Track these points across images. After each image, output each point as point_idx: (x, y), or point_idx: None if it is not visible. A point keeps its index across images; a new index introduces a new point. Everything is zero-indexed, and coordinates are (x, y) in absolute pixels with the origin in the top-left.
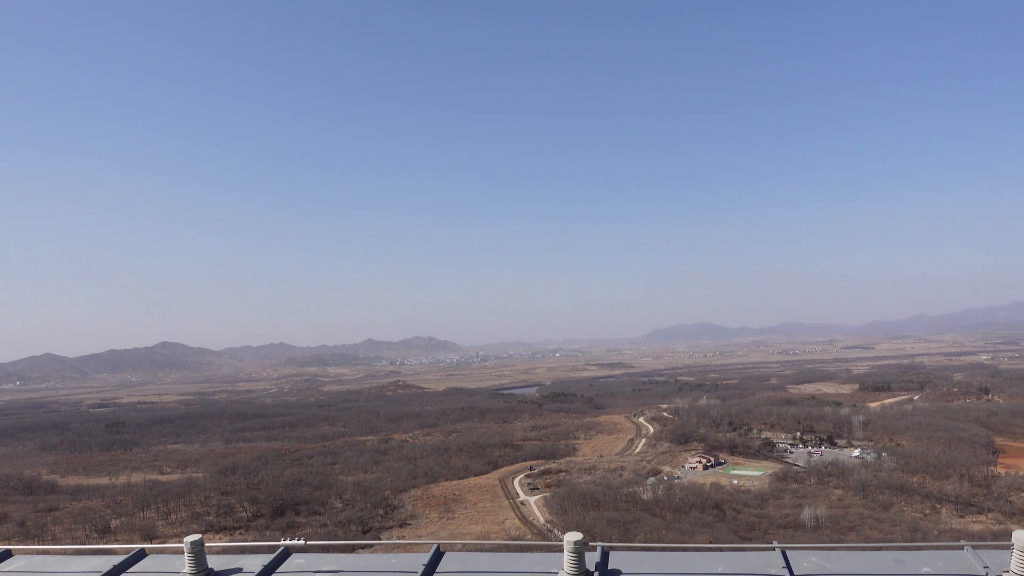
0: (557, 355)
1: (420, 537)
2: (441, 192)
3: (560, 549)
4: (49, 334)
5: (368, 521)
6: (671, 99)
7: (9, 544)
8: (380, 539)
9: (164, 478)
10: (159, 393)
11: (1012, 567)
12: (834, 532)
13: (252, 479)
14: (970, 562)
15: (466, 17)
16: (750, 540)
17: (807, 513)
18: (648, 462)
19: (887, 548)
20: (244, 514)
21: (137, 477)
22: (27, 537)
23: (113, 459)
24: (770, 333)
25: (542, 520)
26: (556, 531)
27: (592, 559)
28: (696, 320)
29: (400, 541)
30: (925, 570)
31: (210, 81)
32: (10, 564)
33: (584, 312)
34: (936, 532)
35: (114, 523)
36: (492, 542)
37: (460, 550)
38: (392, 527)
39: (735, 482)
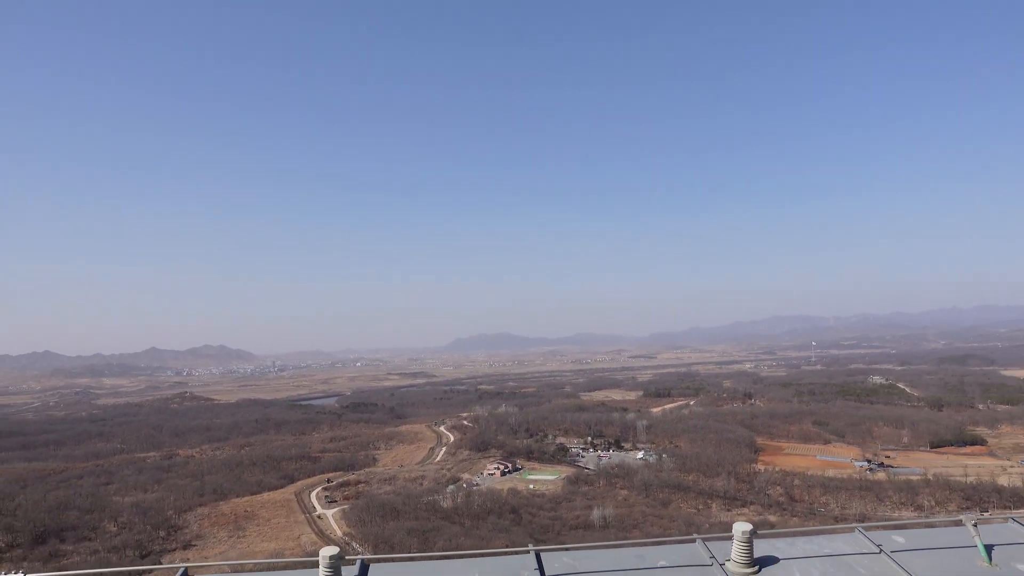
0: (358, 364)
1: (207, 557)
2: (228, 191)
3: (317, 564)
4: None
5: (147, 544)
6: (483, 105)
7: None
8: (161, 563)
9: None
10: None
11: (733, 556)
12: (620, 530)
13: (7, 505)
14: (700, 553)
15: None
16: (544, 541)
17: (596, 513)
18: (448, 470)
19: (629, 545)
20: None
21: None
22: None
23: None
24: (565, 343)
25: (340, 533)
26: (354, 543)
27: (351, 573)
28: (496, 330)
29: (140, 568)
30: (661, 563)
31: None
32: None
33: (386, 321)
34: (708, 524)
35: None
36: (241, 561)
37: (211, 572)
38: (175, 549)
39: (531, 487)
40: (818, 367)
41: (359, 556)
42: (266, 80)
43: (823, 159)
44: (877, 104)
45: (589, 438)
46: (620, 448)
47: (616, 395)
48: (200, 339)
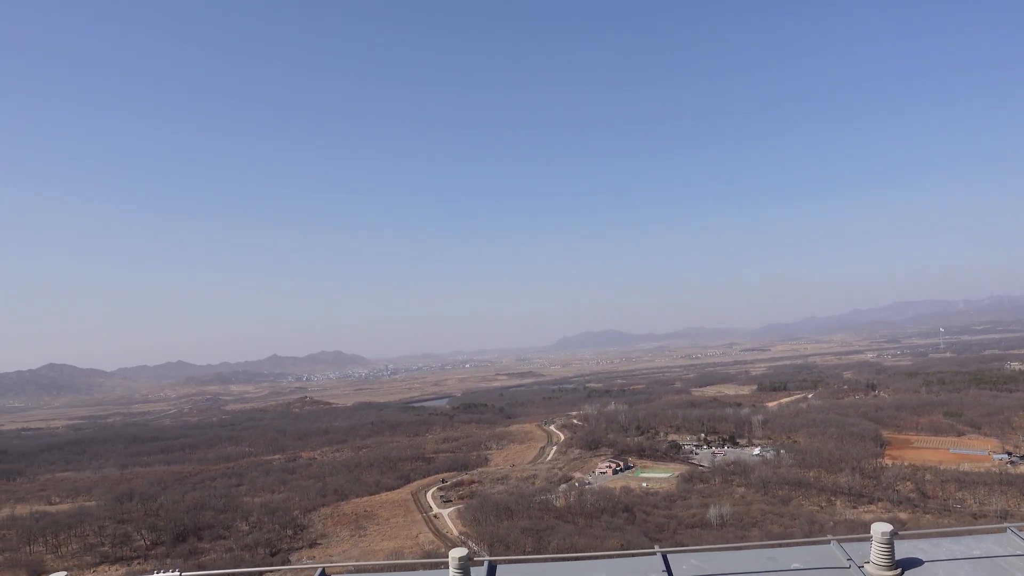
0: (467, 366)
1: (332, 556)
2: (341, 203)
3: (446, 566)
4: None
5: (276, 543)
6: (574, 107)
7: None
8: (289, 561)
9: (53, 508)
10: (46, 418)
11: (872, 558)
12: (738, 528)
13: (151, 505)
14: (836, 555)
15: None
16: (659, 541)
17: (713, 512)
18: (559, 469)
19: (759, 547)
20: (142, 542)
21: (22, 509)
22: None
23: None
24: (673, 338)
25: (456, 532)
26: (471, 543)
27: (479, 574)
28: (602, 327)
29: (282, 567)
30: (795, 565)
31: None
32: None
33: (493, 322)
34: (832, 523)
35: None
36: (378, 562)
37: (345, 572)
38: (302, 548)
39: (644, 485)
40: (947, 355)
41: (486, 558)
42: (369, 93)
43: (946, 134)
44: (1012, 81)
45: (702, 435)
46: (735, 444)
47: (729, 390)
48: (317, 346)
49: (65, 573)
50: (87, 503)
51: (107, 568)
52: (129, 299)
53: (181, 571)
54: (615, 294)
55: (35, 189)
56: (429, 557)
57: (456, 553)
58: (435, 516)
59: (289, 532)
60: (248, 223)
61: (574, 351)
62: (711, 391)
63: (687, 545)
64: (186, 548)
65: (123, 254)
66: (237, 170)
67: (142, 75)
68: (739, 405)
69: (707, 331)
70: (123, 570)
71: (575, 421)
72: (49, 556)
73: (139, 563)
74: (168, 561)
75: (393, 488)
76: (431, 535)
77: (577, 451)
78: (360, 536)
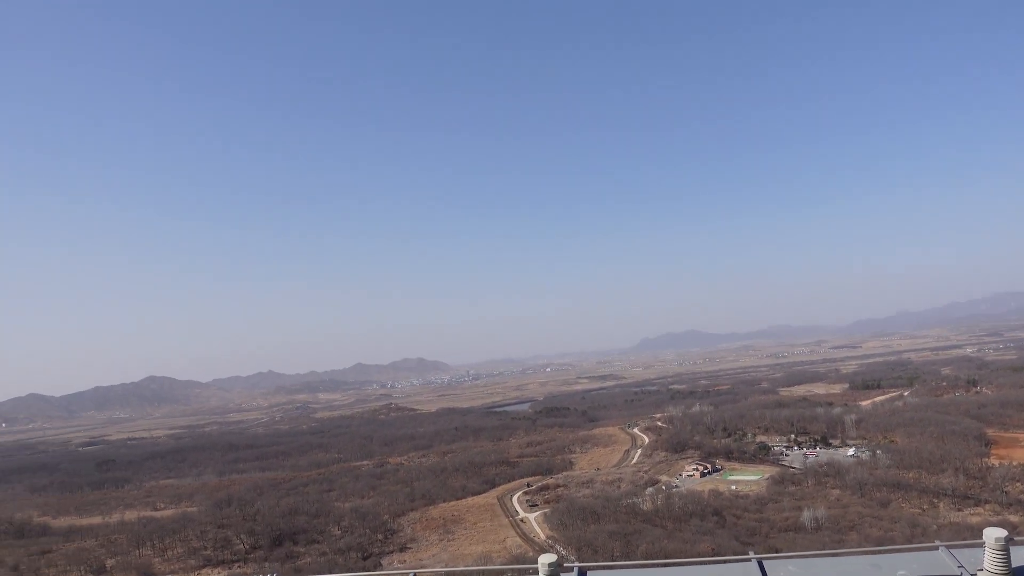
0: (548, 370)
1: (422, 560)
2: (419, 214)
3: (536, 572)
4: (33, 374)
5: (368, 547)
6: (649, 109)
7: None
8: (381, 565)
9: (158, 514)
10: (148, 428)
11: (985, 565)
12: (835, 532)
13: (248, 510)
14: (945, 562)
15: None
16: (751, 545)
17: (807, 515)
18: (645, 472)
19: (862, 553)
20: (242, 546)
21: (130, 515)
22: None
23: (105, 497)
24: (758, 337)
25: (543, 536)
26: (558, 547)
27: None
28: (683, 328)
29: (375, 572)
30: (901, 573)
31: (181, 110)
32: None
33: (573, 326)
34: (936, 527)
35: (109, 562)
36: (468, 568)
37: None
38: (392, 551)
39: (733, 487)
40: None
41: (576, 563)
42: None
43: None
44: None
45: (792, 435)
46: (827, 445)
47: (819, 389)
48: (400, 353)
49: None
50: (189, 509)
51: (210, 571)
52: (222, 313)
53: (279, 575)
54: (697, 294)
55: (139, 214)
56: (517, 563)
57: (546, 559)
58: (522, 520)
59: (380, 536)
60: (333, 239)
61: (655, 352)
62: (800, 390)
63: (782, 549)
64: (283, 552)
65: (215, 271)
66: (327, 186)
67: (248, 101)
68: (830, 404)
69: (793, 329)
70: (225, 573)
71: (659, 423)
72: (156, 560)
73: (239, 566)
74: (266, 565)
75: (479, 492)
76: (518, 539)
77: (663, 454)
78: (449, 540)
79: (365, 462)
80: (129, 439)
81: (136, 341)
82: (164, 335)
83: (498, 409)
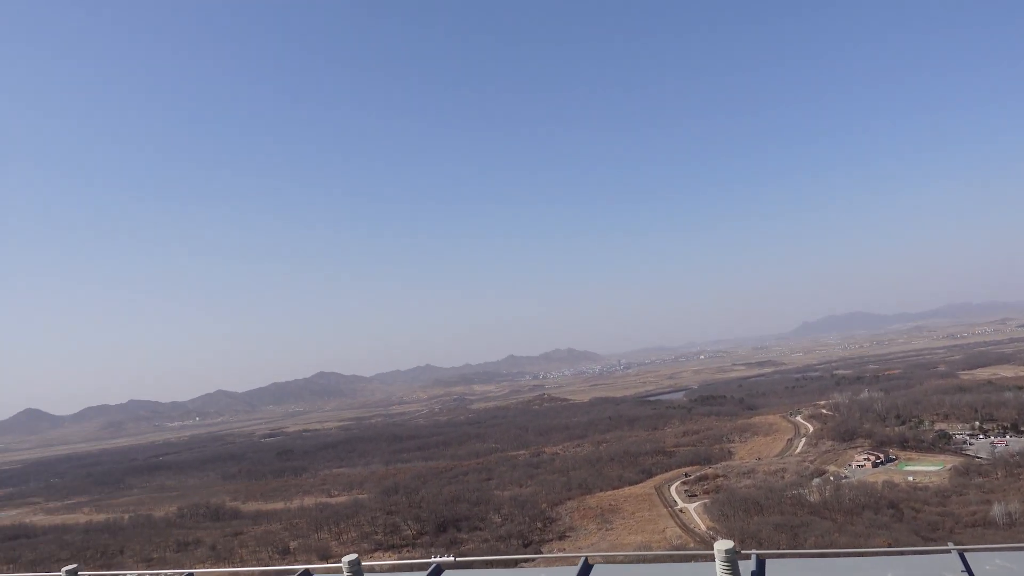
0: (701, 357)
1: (581, 548)
2: (566, 206)
3: (711, 558)
4: (219, 373)
5: (527, 535)
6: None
7: (203, 566)
8: (541, 552)
9: (332, 500)
10: (320, 420)
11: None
12: None
13: (413, 498)
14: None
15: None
16: (933, 541)
17: (997, 509)
18: (811, 462)
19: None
20: (409, 532)
21: (308, 500)
22: (218, 559)
23: (285, 485)
24: (932, 316)
25: (703, 527)
26: (719, 538)
27: (747, 568)
28: (847, 309)
29: (547, 555)
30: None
31: (326, 124)
32: None
33: (726, 311)
34: None
35: (292, 544)
36: (639, 553)
37: (607, 562)
38: (552, 540)
39: (910, 479)
40: None
41: (754, 551)
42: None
43: None
44: None
45: (976, 423)
46: (1019, 433)
47: (1006, 371)
48: (550, 344)
49: (356, 556)
50: (360, 496)
51: (381, 554)
52: (382, 312)
53: (455, 556)
54: (861, 273)
55: (302, 225)
56: (683, 550)
57: (722, 546)
58: (680, 510)
59: (539, 525)
60: (489, 239)
61: (816, 336)
62: (984, 373)
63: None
64: (447, 538)
65: (375, 274)
66: (485, 189)
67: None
68: (1020, 388)
69: (973, 307)
70: (395, 557)
71: (824, 411)
72: (333, 543)
73: (407, 551)
74: (432, 550)
75: (635, 482)
76: (678, 529)
77: (829, 443)
78: (607, 529)
79: (521, 452)
80: (304, 431)
81: (306, 341)
82: (330, 334)
83: (651, 398)
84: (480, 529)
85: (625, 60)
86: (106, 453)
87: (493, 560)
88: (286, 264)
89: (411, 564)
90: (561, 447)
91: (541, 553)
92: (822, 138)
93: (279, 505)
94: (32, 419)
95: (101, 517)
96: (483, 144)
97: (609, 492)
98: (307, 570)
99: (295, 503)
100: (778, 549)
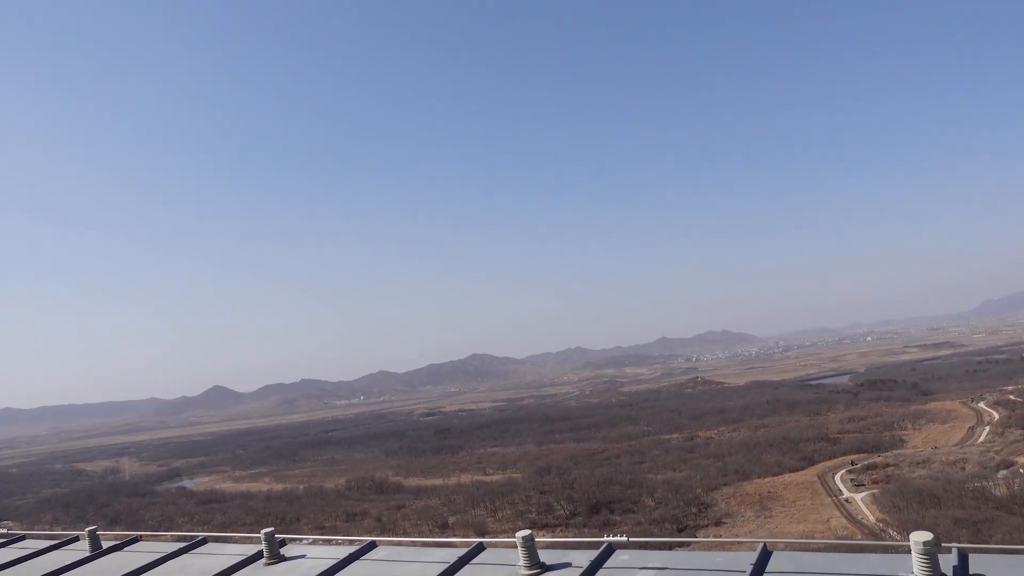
0: (868, 339)
1: (739, 536)
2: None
3: (902, 550)
4: (381, 355)
5: (682, 519)
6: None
7: (371, 536)
8: (696, 536)
9: (487, 478)
10: (475, 401)
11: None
12: None
13: (566, 479)
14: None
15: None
16: None
17: None
18: (996, 453)
19: None
20: (562, 512)
21: (465, 478)
22: (383, 530)
23: (443, 462)
24: None
25: (872, 519)
26: (890, 531)
27: (947, 562)
28: None
29: (722, 539)
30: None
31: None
32: (376, 553)
33: (896, 290)
34: None
35: (451, 519)
36: (822, 541)
37: (787, 549)
38: (707, 525)
39: None
40: None
41: (955, 545)
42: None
43: None
44: None
45: None
46: None
47: None
48: (703, 326)
49: (529, 531)
50: (514, 475)
51: (536, 532)
52: (534, 294)
53: (628, 536)
54: None
55: (456, 228)
56: (871, 540)
57: (920, 536)
58: (846, 500)
59: (693, 510)
60: (630, 222)
61: (1002, 315)
62: None
63: None
64: (600, 519)
65: (526, 255)
66: (624, 168)
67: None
68: None
69: None
70: (549, 536)
71: (1011, 397)
72: (489, 519)
73: (561, 531)
74: (585, 531)
75: (796, 469)
76: (843, 520)
77: (1018, 432)
78: (766, 517)
79: (674, 435)
80: (460, 411)
81: (461, 324)
82: (484, 317)
83: (813, 382)
84: (633, 512)
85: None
86: (282, 428)
87: (666, 542)
88: (442, 253)
89: (582, 543)
90: (716, 431)
91: (696, 538)
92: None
93: (437, 481)
94: (219, 395)
95: (279, 486)
96: (632, 137)
97: (767, 479)
98: (481, 543)
99: (452, 480)
100: (991, 544)
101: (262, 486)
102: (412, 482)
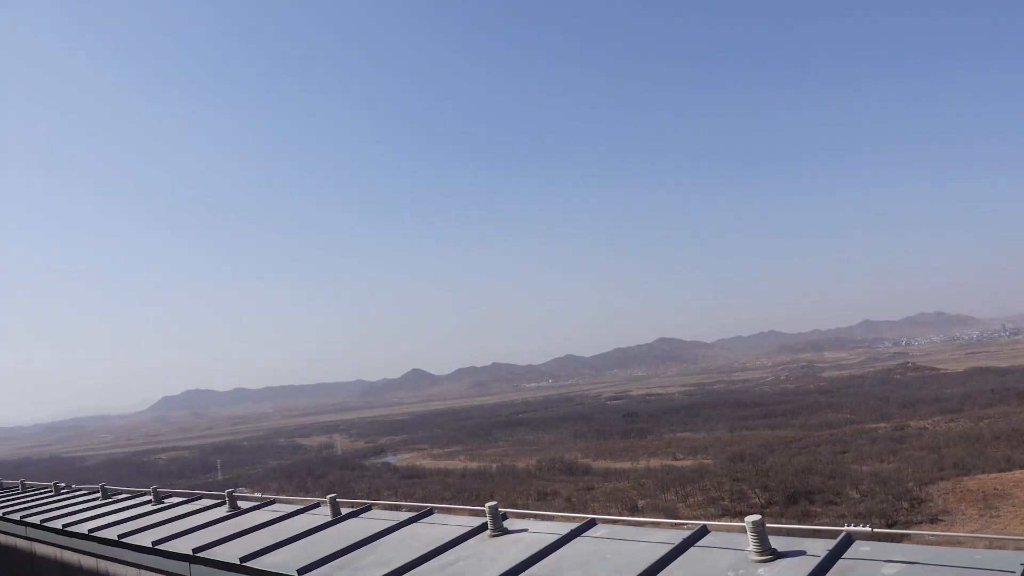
0: None
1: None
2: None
3: None
4: (568, 339)
5: (891, 514)
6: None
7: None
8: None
9: (677, 463)
10: (662, 385)
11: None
12: None
13: (760, 466)
14: None
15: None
16: None
17: None
18: None
19: None
20: (757, 500)
21: (654, 462)
22: (572, 510)
23: (631, 446)
24: None
25: None
26: None
27: None
28: None
29: (982, 534)
30: None
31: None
32: (597, 531)
33: None
34: None
35: (640, 503)
36: None
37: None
38: (921, 522)
39: None
40: None
41: None
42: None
43: None
44: None
45: None
46: None
47: None
48: (915, 308)
49: (760, 517)
50: (705, 461)
51: (729, 520)
52: (727, 277)
53: (871, 527)
54: None
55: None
56: None
57: None
58: None
59: (904, 504)
60: (833, 200)
61: None
62: None
63: None
64: (798, 510)
65: (714, 236)
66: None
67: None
68: None
69: None
70: (741, 523)
71: None
72: (680, 504)
73: None
74: (782, 520)
75: None
76: None
77: None
78: (991, 516)
79: (881, 424)
80: (647, 395)
81: (647, 307)
82: (672, 301)
83: None
84: (835, 504)
85: None
86: (474, 409)
87: (908, 535)
88: (628, 239)
89: (815, 530)
90: (930, 421)
91: (952, 532)
92: None
93: (626, 464)
94: (417, 377)
95: (474, 465)
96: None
97: (993, 475)
98: (704, 526)
99: (641, 464)
100: None
101: (458, 464)
102: (601, 464)
